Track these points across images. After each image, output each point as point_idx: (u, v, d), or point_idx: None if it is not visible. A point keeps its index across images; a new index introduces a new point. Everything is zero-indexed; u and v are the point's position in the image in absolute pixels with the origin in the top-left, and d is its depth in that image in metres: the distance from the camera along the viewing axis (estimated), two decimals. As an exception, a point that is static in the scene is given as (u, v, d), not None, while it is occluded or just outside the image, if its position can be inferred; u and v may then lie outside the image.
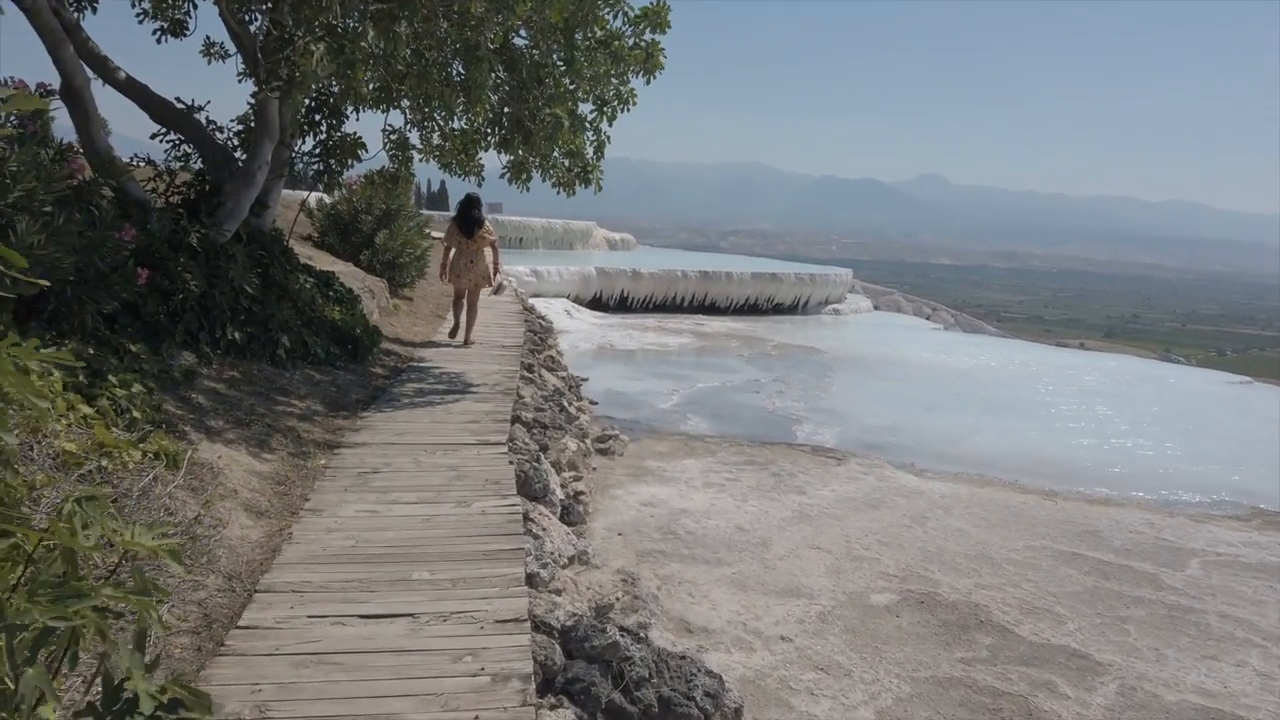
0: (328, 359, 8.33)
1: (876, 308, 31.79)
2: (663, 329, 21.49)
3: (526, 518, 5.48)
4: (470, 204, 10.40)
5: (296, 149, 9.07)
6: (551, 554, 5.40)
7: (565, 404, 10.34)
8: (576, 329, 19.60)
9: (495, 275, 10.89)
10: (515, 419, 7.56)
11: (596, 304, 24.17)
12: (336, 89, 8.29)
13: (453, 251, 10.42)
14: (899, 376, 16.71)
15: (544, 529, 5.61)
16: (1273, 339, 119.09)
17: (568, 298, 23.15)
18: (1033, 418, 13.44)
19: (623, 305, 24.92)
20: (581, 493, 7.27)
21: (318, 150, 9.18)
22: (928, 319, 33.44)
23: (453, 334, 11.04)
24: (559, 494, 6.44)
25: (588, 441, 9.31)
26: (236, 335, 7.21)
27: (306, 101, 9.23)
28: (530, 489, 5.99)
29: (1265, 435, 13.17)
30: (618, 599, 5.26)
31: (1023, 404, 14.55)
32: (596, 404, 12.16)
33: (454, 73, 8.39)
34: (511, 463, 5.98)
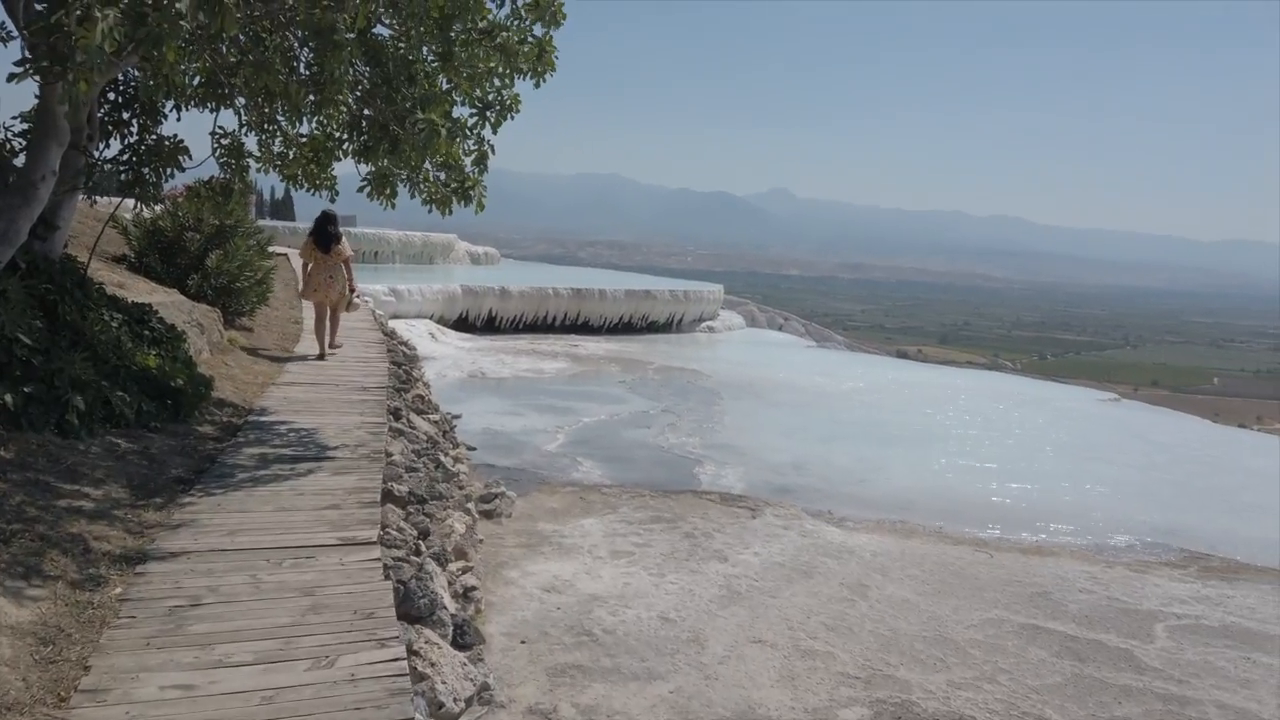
0: (139, 420, 6.59)
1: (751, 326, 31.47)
2: (536, 352, 20.11)
3: (411, 651, 4.10)
4: (327, 219, 10.27)
5: (98, 154, 7.25)
6: (446, 696, 4.05)
7: (441, 456, 8.89)
8: (443, 354, 17.96)
9: (352, 294, 10.77)
10: (386, 494, 6.09)
11: (462, 324, 22.52)
12: (141, 77, 6.58)
13: (310, 267, 10.32)
14: (788, 403, 16.00)
15: (433, 664, 4.24)
16: (1085, 344, 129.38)
17: (431, 318, 21.40)
18: (931, 448, 12.92)
19: (491, 326, 23.35)
20: (473, 588, 5.89)
21: (127, 156, 7.38)
22: (780, 328, 33.57)
23: (320, 357, 10.54)
24: (449, 604, 5.05)
25: (472, 506, 7.88)
26: (8, 399, 5.46)
27: (110, 95, 7.44)
28: (413, 607, 4.58)
29: (1155, 460, 13.17)
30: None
31: (916, 432, 14.07)
32: (474, 450, 10.71)
33: (302, 63, 6.84)
34: (388, 574, 4.55)
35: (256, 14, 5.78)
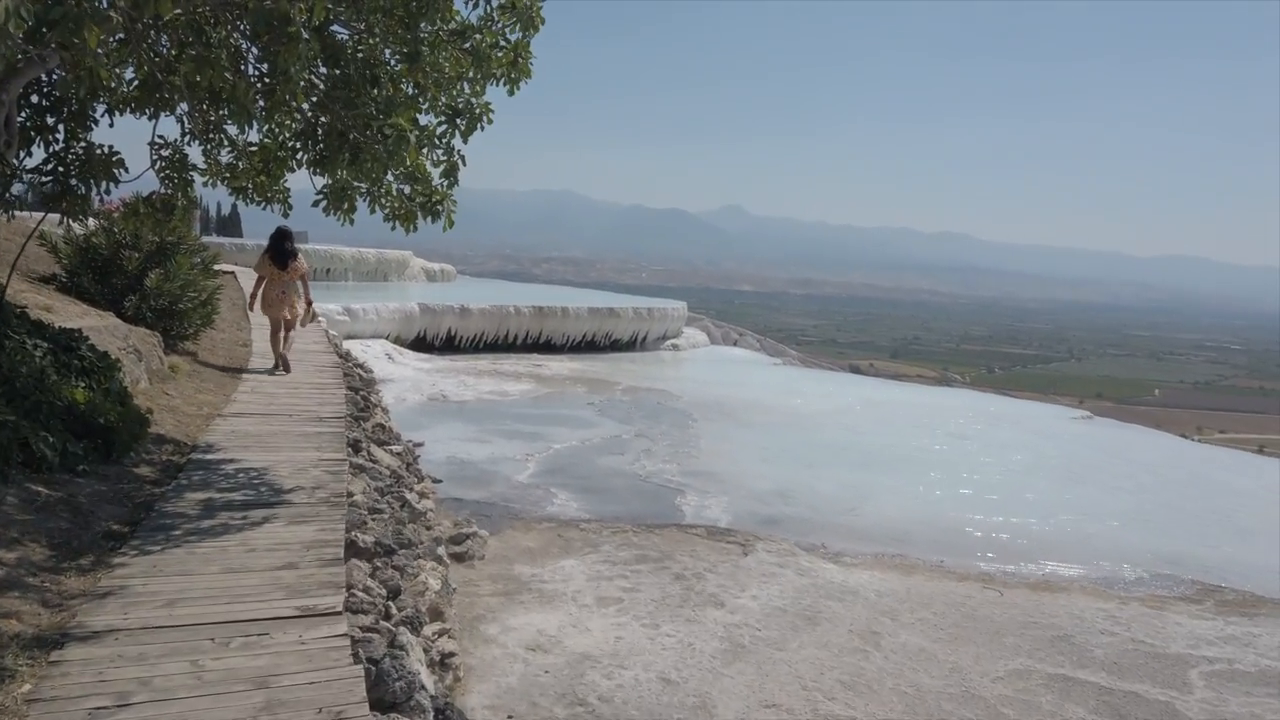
0: (64, 463, 5.78)
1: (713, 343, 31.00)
2: (499, 373, 19.36)
3: (387, 750, 3.42)
4: (283, 236, 10.22)
5: (18, 163, 6.44)
6: (428, 803, 3.37)
7: (406, 493, 8.16)
8: (401, 376, 17.13)
9: (308, 309, 10.77)
10: (350, 545, 5.38)
11: (420, 344, 21.67)
12: (61, 76, 5.83)
13: (264, 283, 10.29)
14: (763, 424, 15.49)
15: (414, 766, 3.56)
16: (1031, 357, 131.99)
17: (387, 338, 20.53)
18: (916, 472, 12.48)
19: (450, 345, 22.53)
20: (451, 654, 5.20)
21: (52, 165, 6.58)
22: (735, 344, 33.26)
23: (275, 369, 10.46)
24: (427, 683, 4.36)
25: (442, 550, 7.17)
26: (-101, 445, 4.66)
27: (33, 98, 6.64)
28: (387, 691, 3.89)
29: (1143, 482, 12.91)
30: None
31: (897, 455, 13.64)
32: (440, 482, 9.97)
33: (250, 62, 6.13)
34: (356, 653, 3.86)
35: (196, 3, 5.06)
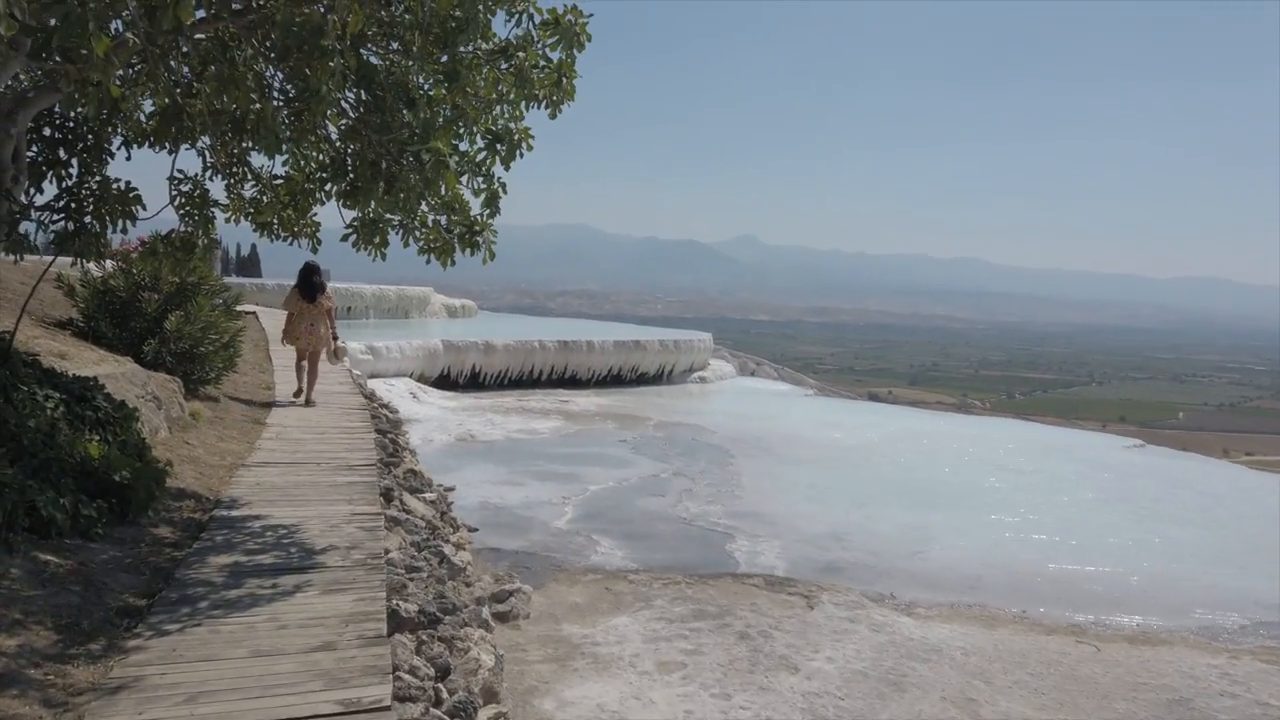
0: (76, 526, 5.25)
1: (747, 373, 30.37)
2: (526, 410, 18.82)
3: None
4: (311, 270, 10.53)
5: (28, 198, 5.98)
6: None
7: (443, 546, 7.57)
8: (427, 416, 16.61)
9: (334, 341, 10.95)
10: (392, 615, 4.79)
11: (444, 382, 21.18)
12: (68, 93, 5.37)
13: (293, 317, 10.68)
14: (805, 460, 14.83)
15: None
16: (1051, 381, 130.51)
17: (411, 376, 20.05)
18: (974, 510, 11.79)
19: (475, 382, 22.03)
20: (510, 742, 4.58)
21: (64, 202, 6.12)
22: (752, 374, 32.61)
23: (297, 394, 10.94)
24: (492, 787, 3.75)
25: (486, 611, 6.56)
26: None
27: (45, 130, 6.20)
28: (450, 806, 3.29)
29: (1217, 516, 12.16)
30: None
31: (952, 490, 12.95)
32: (476, 530, 9.39)
33: (276, 87, 5.67)
34: (414, 762, 3.27)
35: (218, 12, 4.58)
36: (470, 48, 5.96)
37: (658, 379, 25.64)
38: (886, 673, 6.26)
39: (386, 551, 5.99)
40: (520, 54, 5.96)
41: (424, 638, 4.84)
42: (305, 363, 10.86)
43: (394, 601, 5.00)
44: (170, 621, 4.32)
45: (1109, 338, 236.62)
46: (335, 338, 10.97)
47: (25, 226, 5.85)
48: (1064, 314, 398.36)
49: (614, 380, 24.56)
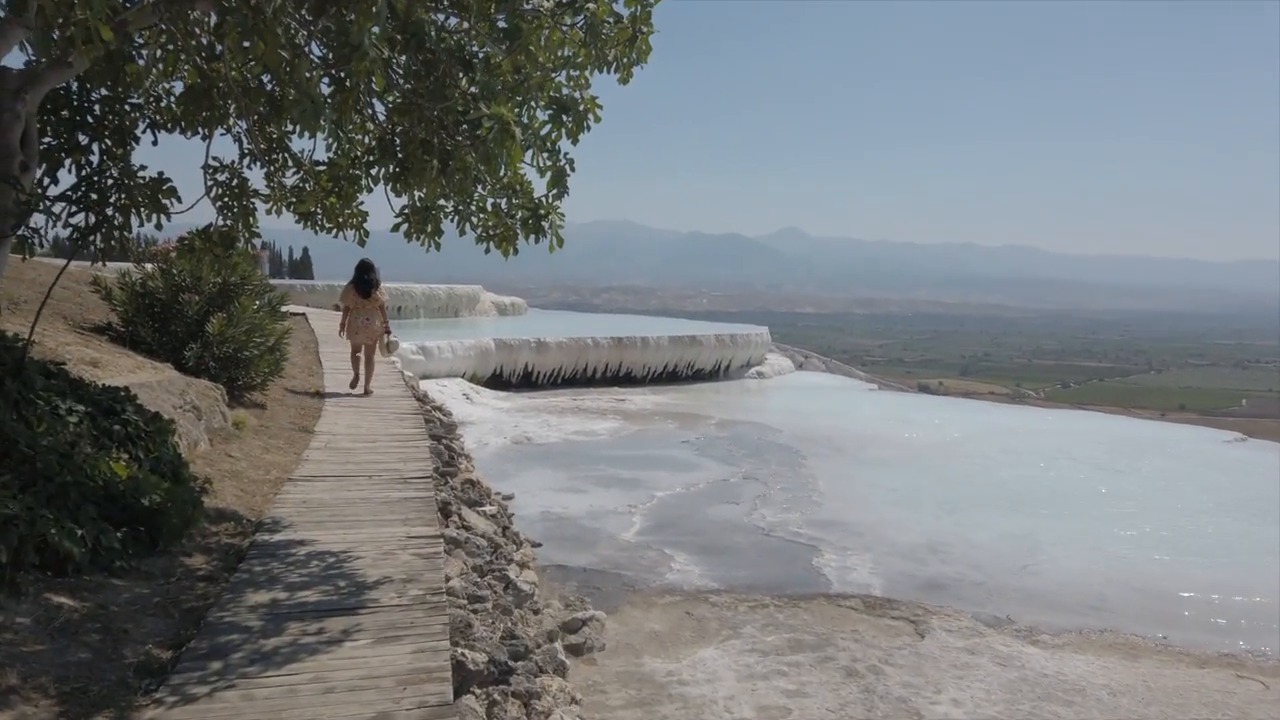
0: (96, 560, 4.59)
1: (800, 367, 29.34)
2: (581, 410, 18.09)
3: None
4: (366, 267, 10.90)
5: (42, 186, 5.34)
6: None
7: (507, 566, 6.84)
8: (481, 418, 15.96)
9: (387, 335, 11.30)
10: (457, 667, 4.04)
11: (497, 382, 20.55)
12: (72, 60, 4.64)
13: (349, 311, 11.11)
14: (882, 460, 13.87)
15: None
16: (1107, 370, 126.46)
17: (463, 376, 19.45)
18: (1082, 516, 10.74)
19: (527, 381, 21.37)
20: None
21: (82, 191, 5.46)
22: (800, 367, 31.51)
23: (353, 384, 11.31)
24: None
25: (558, 647, 5.79)
26: None
27: (63, 111, 5.55)
28: None
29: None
30: None
31: (1050, 493, 11.89)
32: (539, 545, 8.65)
33: (315, 46, 4.94)
34: None
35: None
36: (532, 3, 5.20)
37: (714, 375, 24.77)
38: (1025, 719, 5.35)
39: (447, 579, 5.26)
40: (591, 4, 5.18)
41: (496, 697, 4.08)
42: (361, 354, 11.25)
43: (459, 650, 4.24)
44: (197, 683, 3.61)
45: (1167, 324, 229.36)
46: (388, 331, 11.45)
47: (37, 220, 5.18)
48: (1120, 300, 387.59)
49: (669, 377, 23.74)
